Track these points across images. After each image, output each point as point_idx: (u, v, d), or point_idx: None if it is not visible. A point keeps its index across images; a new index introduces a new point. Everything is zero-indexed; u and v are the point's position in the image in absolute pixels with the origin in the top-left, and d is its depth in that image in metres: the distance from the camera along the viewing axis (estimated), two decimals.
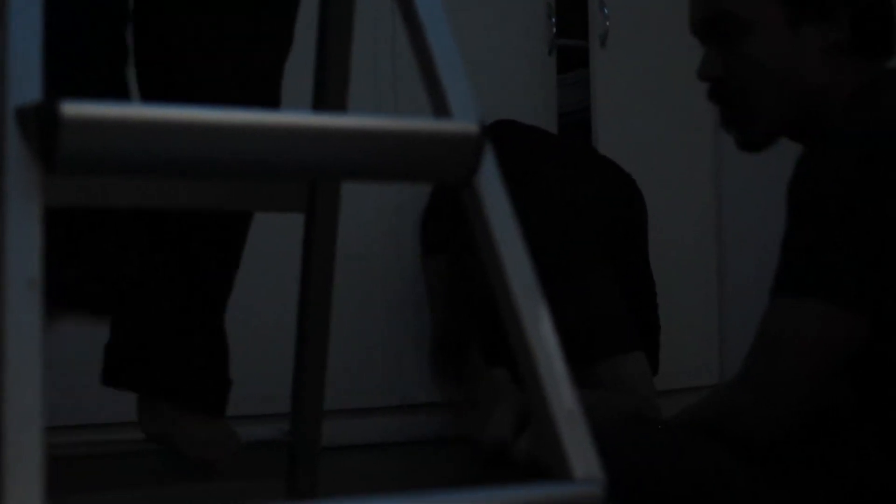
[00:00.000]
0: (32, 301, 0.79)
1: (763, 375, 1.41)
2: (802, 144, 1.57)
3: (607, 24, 3.58)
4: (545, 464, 0.83)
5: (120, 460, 1.41)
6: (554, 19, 3.46)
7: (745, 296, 3.84)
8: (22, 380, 0.78)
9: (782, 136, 1.60)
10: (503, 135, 3.17)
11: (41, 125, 0.82)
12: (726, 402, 1.50)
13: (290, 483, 1.58)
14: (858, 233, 1.35)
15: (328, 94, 1.44)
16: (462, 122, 0.97)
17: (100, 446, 1.41)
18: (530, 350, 0.89)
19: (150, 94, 1.86)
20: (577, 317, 2.94)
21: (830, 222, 1.37)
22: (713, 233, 3.86)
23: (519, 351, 0.90)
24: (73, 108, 0.82)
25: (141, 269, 1.91)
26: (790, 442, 1.45)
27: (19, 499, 0.73)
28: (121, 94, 1.81)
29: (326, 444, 3.40)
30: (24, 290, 0.79)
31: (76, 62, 1.65)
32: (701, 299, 3.76)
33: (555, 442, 0.84)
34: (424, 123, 0.95)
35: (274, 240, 3.31)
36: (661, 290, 3.46)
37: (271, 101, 1.93)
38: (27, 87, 0.86)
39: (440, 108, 1.02)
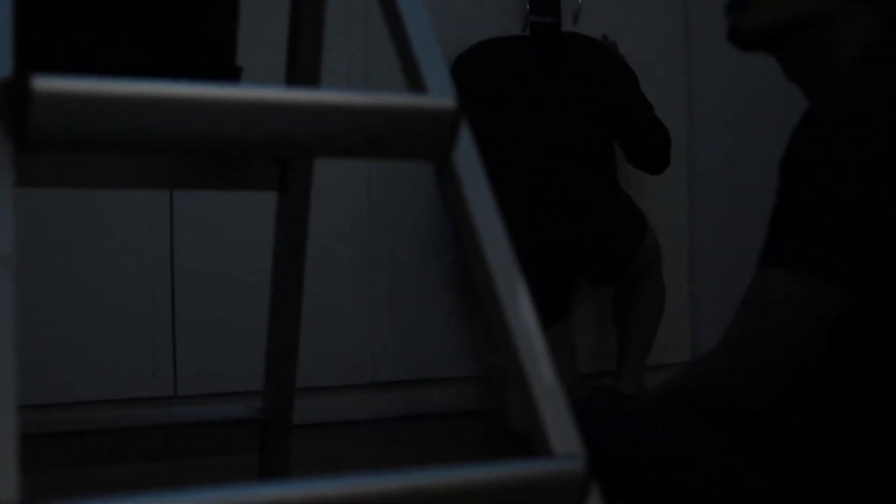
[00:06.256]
0: (4, 278, 0.78)
1: (744, 341, 1.42)
2: (800, 89, 1.58)
3: (579, 1, 3.57)
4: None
5: (93, 438, 1.40)
6: None
7: (716, 273, 3.86)
8: None
9: (768, 49, 1.58)
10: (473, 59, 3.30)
11: (12, 101, 0.81)
12: (707, 368, 1.50)
13: (263, 460, 1.57)
14: (847, 208, 1.35)
15: (300, 69, 1.43)
16: (438, 98, 0.96)
17: (74, 424, 1.40)
18: (508, 327, 0.88)
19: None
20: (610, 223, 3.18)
21: (819, 197, 1.37)
22: (685, 217, 3.87)
23: (497, 328, 0.90)
24: (45, 83, 0.80)
25: None
26: (766, 413, 1.46)
27: None
28: None
29: (298, 421, 3.40)
30: None
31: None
32: (673, 277, 3.77)
33: (535, 419, 0.84)
34: (400, 98, 0.94)
35: (245, 220, 3.30)
36: None
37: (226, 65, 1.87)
38: None
39: (415, 83, 1.01)
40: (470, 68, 3.27)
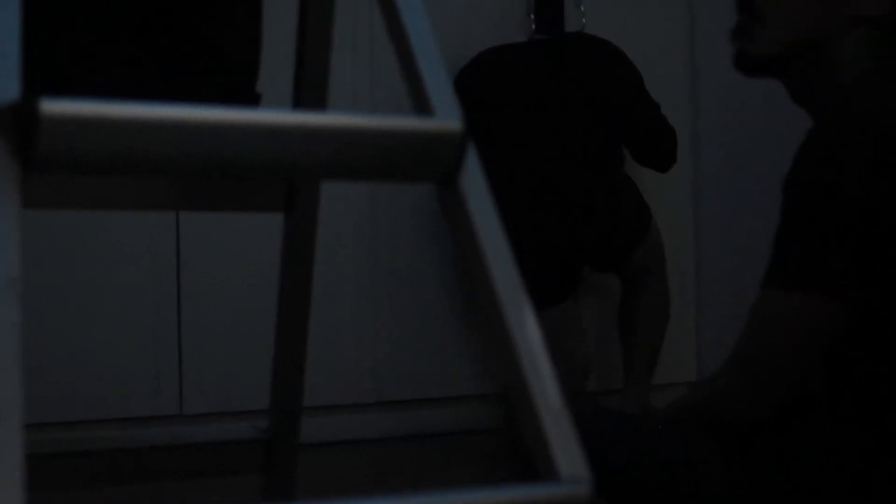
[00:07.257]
0: (12, 301, 0.78)
1: (750, 357, 1.44)
2: (806, 111, 1.59)
3: (583, 21, 3.58)
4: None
5: (97, 457, 1.40)
6: (533, 15, 3.46)
7: (722, 293, 3.85)
8: (1, 376, 0.77)
9: (774, 74, 1.60)
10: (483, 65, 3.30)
11: (19, 123, 0.81)
12: (714, 386, 1.52)
13: (268, 480, 1.57)
14: (848, 213, 1.36)
15: (307, 93, 1.44)
16: (444, 120, 0.97)
17: (77, 443, 1.40)
18: (515, 349, 0.88)
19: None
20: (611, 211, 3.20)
21: (821, 205, 1.38)
22: (692, 234, 3.87)
23: (503, 350, 0.90)
24: (53, 106, 0.81)
25: None
26: (770, 424, 1.47)
27: None
28: None
29: (303, 440, 3.39)
30: (2, 288, 0.78)
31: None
32: (678, 297, 3.77)
33: (540, 441, 0.84)
34: (406, 121, 0.95)
35: (251, 239, 3.30)
36: None
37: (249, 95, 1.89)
38: (5, 85, 0.85)
39: (422, 105, 1.02)
40: (474, 74, 3.27)
